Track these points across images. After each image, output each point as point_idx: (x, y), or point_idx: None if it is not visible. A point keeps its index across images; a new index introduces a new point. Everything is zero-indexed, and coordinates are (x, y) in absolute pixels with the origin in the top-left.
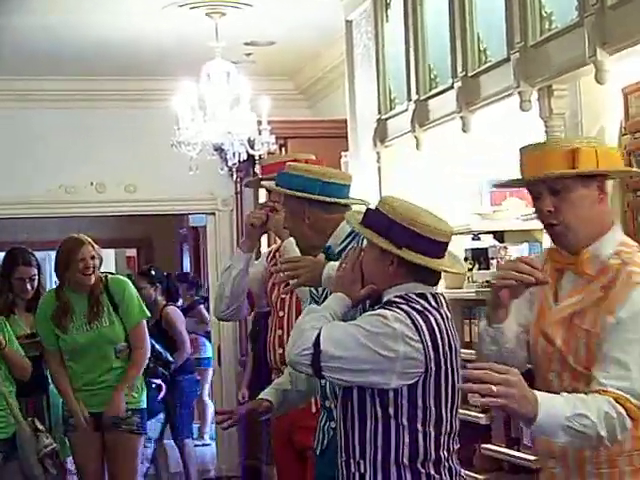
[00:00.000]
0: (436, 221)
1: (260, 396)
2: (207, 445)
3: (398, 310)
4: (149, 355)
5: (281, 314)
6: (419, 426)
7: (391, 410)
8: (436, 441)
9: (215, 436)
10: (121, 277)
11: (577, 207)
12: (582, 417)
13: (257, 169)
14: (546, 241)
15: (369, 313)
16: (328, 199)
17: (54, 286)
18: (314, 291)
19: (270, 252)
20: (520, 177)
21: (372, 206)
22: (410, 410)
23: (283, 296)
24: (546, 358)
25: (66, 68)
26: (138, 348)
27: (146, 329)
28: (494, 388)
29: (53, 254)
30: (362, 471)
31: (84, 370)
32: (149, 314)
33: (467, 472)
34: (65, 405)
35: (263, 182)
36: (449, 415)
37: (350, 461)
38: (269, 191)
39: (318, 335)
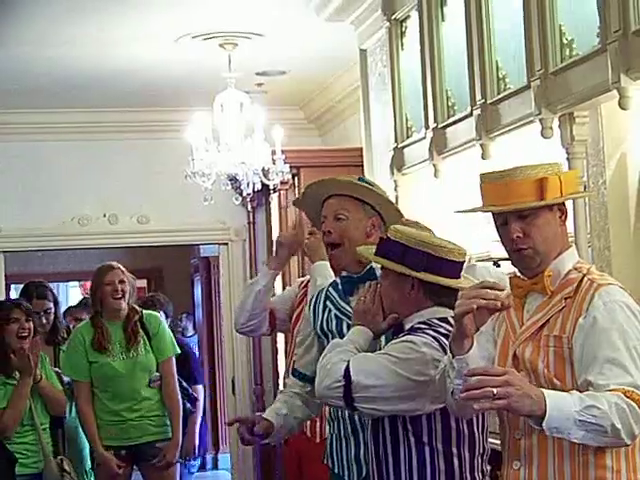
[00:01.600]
0: (449, 243)
1: (260, 415)
2: None
3: (424, 335)
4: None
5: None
6: (454, 449)
7: (425, 437)
8: (471, 463)
9: (230, 466)
10: (155, 313)
11: (544, 231)
12: (592, 408)
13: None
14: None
15: (396, 341)
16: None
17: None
18: (319, 329)
19: (303, 282)
20: (484, 206)
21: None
22: (444, 433)
23: None
24: None
25: (79, 100)
26: (171, 385)
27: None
28: (494, 390)
29: (63, 285)
30: None
31: (117, 400)
32: (179, 351)
33: None
34: (90, 445)
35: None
36: (481, 436)
37: None
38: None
39: (347, 367)
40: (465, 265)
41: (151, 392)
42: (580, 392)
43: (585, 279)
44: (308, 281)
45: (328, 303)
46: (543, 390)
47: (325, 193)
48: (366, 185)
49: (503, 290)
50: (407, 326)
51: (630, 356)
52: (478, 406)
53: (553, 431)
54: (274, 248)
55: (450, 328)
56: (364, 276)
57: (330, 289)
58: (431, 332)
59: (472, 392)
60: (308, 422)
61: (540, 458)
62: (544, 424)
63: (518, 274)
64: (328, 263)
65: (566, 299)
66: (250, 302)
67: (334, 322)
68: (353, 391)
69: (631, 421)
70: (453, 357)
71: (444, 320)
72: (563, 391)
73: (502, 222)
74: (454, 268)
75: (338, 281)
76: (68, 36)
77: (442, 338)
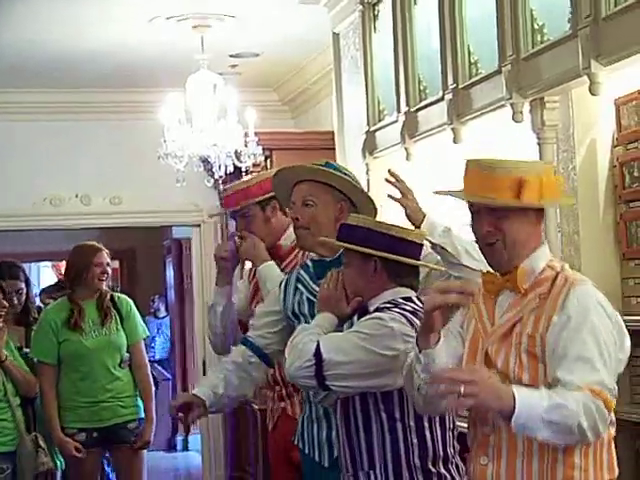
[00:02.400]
0: (407, 226)
1: (195, 392)
2: None
3: (391, 312)
4: None
5: None
6: (425, 424)
7: (397, 413)
8: (442, 439)
9: (201, 447)
10: (125, 295)
11: (514, 230)
12: (560, 407)
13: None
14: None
15: (364, 318)
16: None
17: (36, 298)
18: (290, 312)
19: (250, 270)
20: (461, 191)
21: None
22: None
23: None
24: None
25: (51, 80)
26: (143, 367)
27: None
28: (461, 388)
29: (34, 266)
30: None
31: (88, 380)
32: (148, 333)
33: None
34: (49, 429)
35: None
36: (450, 413)
37: (359, 474)
38: (234, 218)
39: (317, 346)
40: (441, 230)
41: (122, 372)
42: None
43: (559, 276)
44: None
45: (299, 286)
46: (513, 387)
47: (294, 179)
48: (332, 171)
49: (471, 292)
50: (371, 308)
51: (600, 353)
52: (445, 404)
53: (520, 428)
54: (216, 265)
55: (414, 305)
56: (336, 260)
57: (301, 271)
58: (397, 309)
59: (441, 386)
60: (298, 410)
61: (508, 455)
62: (512, 421)
63: (490, 270)
64: (272, 262)
65: (540, 297)
66: (220, 324)
67: (306, 305)
68: (324, 369)
69: (597, 420)
70: (420, 351)
71: (408, 299)
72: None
73: (474, 212)
74: (414, 249)
75: (309, 263)
76: (40, 16)
77: (408, 314)
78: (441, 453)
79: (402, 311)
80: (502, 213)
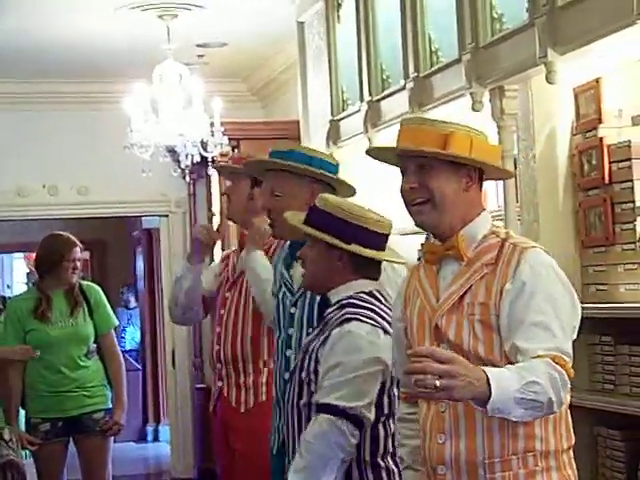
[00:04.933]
0: (377, 215)
1: None
2: None
3: (359, 321)
4: None
5: (222, 312)
6: (380, 421)
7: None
8: (393, 434)
9: (170, 438)
10: (93, 284)
11: (443, 188)
12: (532, 384)
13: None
14: None
15: (339, 342)
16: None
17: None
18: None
19: (226, 255)
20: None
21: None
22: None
23: (227, 295)
24: None
25: (17, 70)
26: (115, 355)
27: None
28: (437, 382)
29: (7, 257)
30: None
31: (53, 369)
32: (117, 322)
33: None
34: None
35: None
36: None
37: None
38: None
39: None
40: None
41: (89, 362)
42: (508, 359)
43: (507, 244)
44: (227, 255)
45: (279, 266)
46: (484, 369)
47: (262, 169)
48: (282, 161)
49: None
50: (334, 299)
51: (556, 319)
52: (415, 392)
53: (495, 412)
54: (191, 244)
55: (377, 303)
56: None
57: (281, 253)
58: (362, 313)
59: (416, 377)
60: (233, 392)
61: (467, 431)
62: (488, 407)
63: (431, 240)
64: (262, 252)
65: (488, 265)
66: (182, 297)
67: (277, 285)
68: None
69: (560, 389)
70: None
71: (371, 294)
72: (491, 364)
73: (403, 171)
74: (381, 240)
75: (286, 245)
76: (4, 5)
77: (374, 315)
78: (390, 448)
79: (366, 311)
80: (429, 171)
